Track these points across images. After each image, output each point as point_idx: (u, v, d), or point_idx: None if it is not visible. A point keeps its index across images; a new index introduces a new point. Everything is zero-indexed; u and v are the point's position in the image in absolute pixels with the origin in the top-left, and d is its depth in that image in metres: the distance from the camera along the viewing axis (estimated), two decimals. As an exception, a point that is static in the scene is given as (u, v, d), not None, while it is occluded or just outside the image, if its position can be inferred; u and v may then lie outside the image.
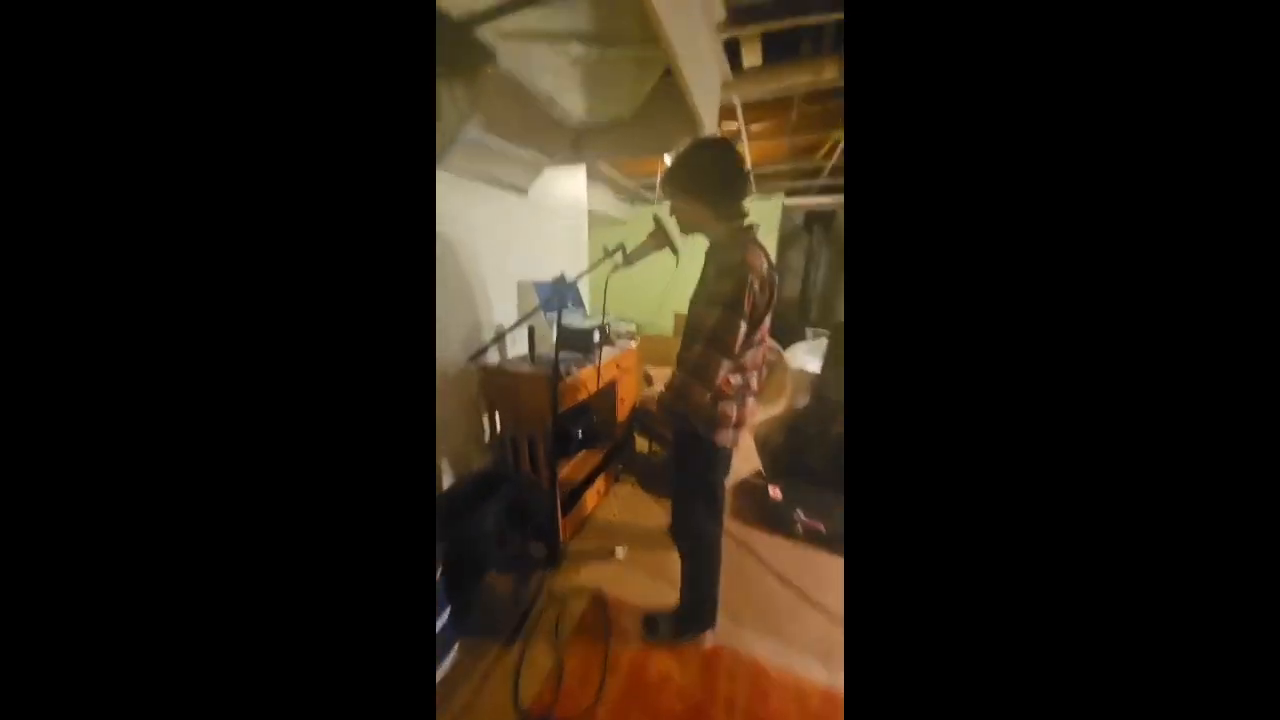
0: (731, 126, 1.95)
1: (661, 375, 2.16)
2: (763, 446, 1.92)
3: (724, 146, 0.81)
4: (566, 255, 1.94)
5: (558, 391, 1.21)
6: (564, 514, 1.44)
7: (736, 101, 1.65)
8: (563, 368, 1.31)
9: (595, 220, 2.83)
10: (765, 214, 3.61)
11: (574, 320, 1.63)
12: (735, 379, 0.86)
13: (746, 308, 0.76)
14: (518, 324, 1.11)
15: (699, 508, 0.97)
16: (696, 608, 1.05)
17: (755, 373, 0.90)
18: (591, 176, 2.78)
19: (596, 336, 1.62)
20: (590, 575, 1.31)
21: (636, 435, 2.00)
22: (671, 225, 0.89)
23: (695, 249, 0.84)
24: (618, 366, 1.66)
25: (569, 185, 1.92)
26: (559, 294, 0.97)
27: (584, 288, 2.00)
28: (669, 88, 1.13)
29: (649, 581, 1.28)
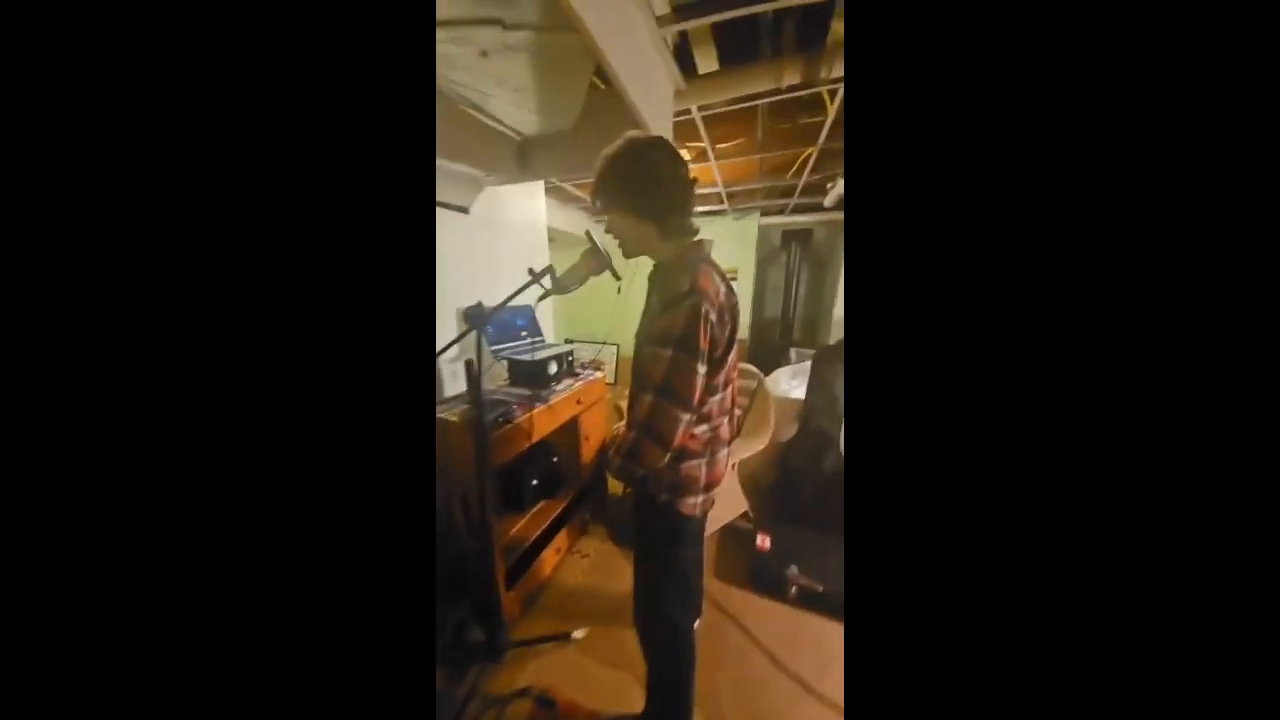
0: (698, 145, 1.86)
1: (634, 406, 1.97)
2: (749, 486, 1.71)
3: (661, 146, 0.65)
4: (522, 274, 1.77)
5: (488, 441, 1.00)
6: (511, 584, 1.20)
7: (698, 117, 1.54)
8: (501, 411, 1.11)
9: (563, 240, 2.70)
10: (742, 233, 3.56)
11: (523, 351, 1.44)
12: (700, 430, 0.68)
13: (703, 345, 0.59)
14: (523, 288, 0.82)
15: (666, 593, 0.76)
16: (663, 720, 0.82)
17: (725, 419, 0.72)
18: (556, 194, 2.67)
19: (553, 368, 1.43)
20: (539, 669, 1.06)
21: (609, 475, 1.77)
22: (613, 245, 0.73)
23: (645, 270, 0.68)
24: (578, 402, 1.46)
25: (526, 203, 1.77)
26: (478, 321, 0.77)
27: (547, 311, 1.83)
28: (614, 99, 1.00)
29: (611, 675, 1.04)
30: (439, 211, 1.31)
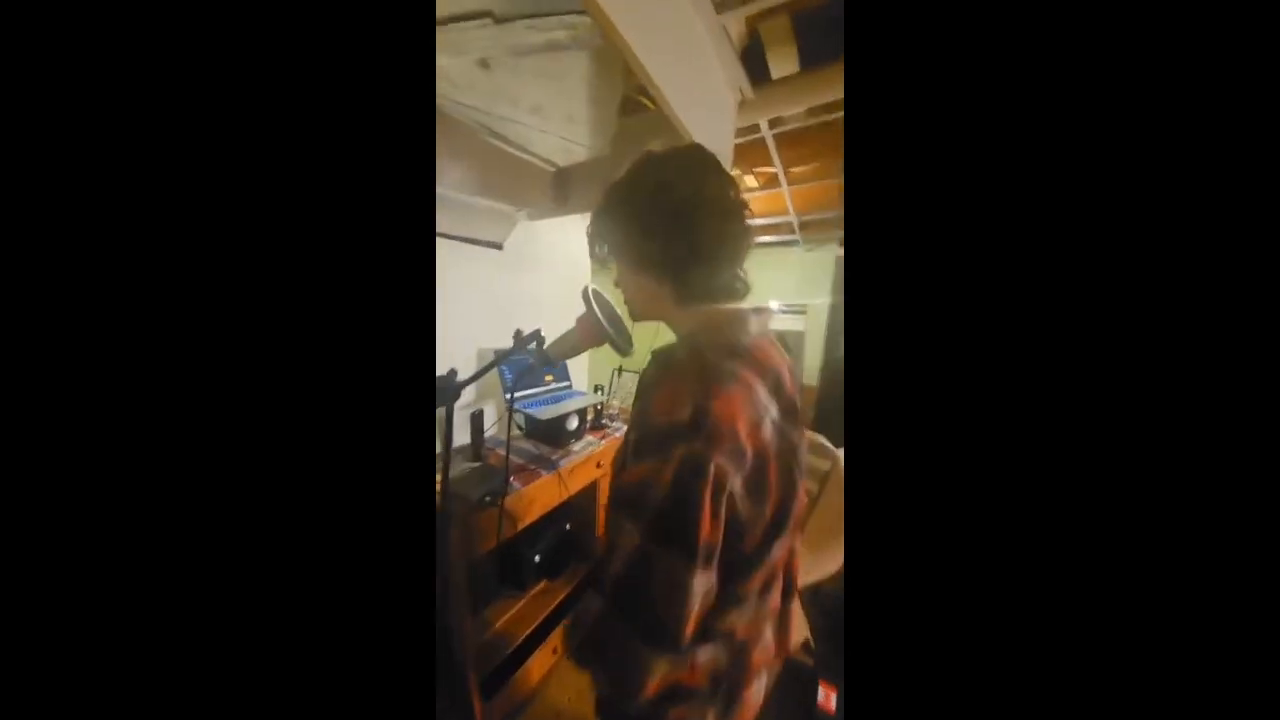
0: (767, 169, 1.59)
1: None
2: (813, 610, 1.27)
3: (683, 158, 0.42)
4: (562, 314, 1.62)
5: (448, 533, 0.80)
6: (489, 695, 0.96)
7: (768, 135, 1.28)
8: (489, 489, 0.91)
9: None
10: (816, 267, 3.11)
11: (540, 402, 1.26)
12: (704, 658, 0.37)
13: (704, 533, 0.30)
14: (510, 352, 0.69)
15: None
16: None
17: (769, 625, 0.42)
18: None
19: (573, 423, 1.23)
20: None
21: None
22: (618, 302, 0.50)
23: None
24: (599, 465, 1.23)
25: (566, 238, 1.65)
26: (447, 395, 0.58)
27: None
28: (661, 119, 0.81)
29: None
30: (469, 249, 1.22)
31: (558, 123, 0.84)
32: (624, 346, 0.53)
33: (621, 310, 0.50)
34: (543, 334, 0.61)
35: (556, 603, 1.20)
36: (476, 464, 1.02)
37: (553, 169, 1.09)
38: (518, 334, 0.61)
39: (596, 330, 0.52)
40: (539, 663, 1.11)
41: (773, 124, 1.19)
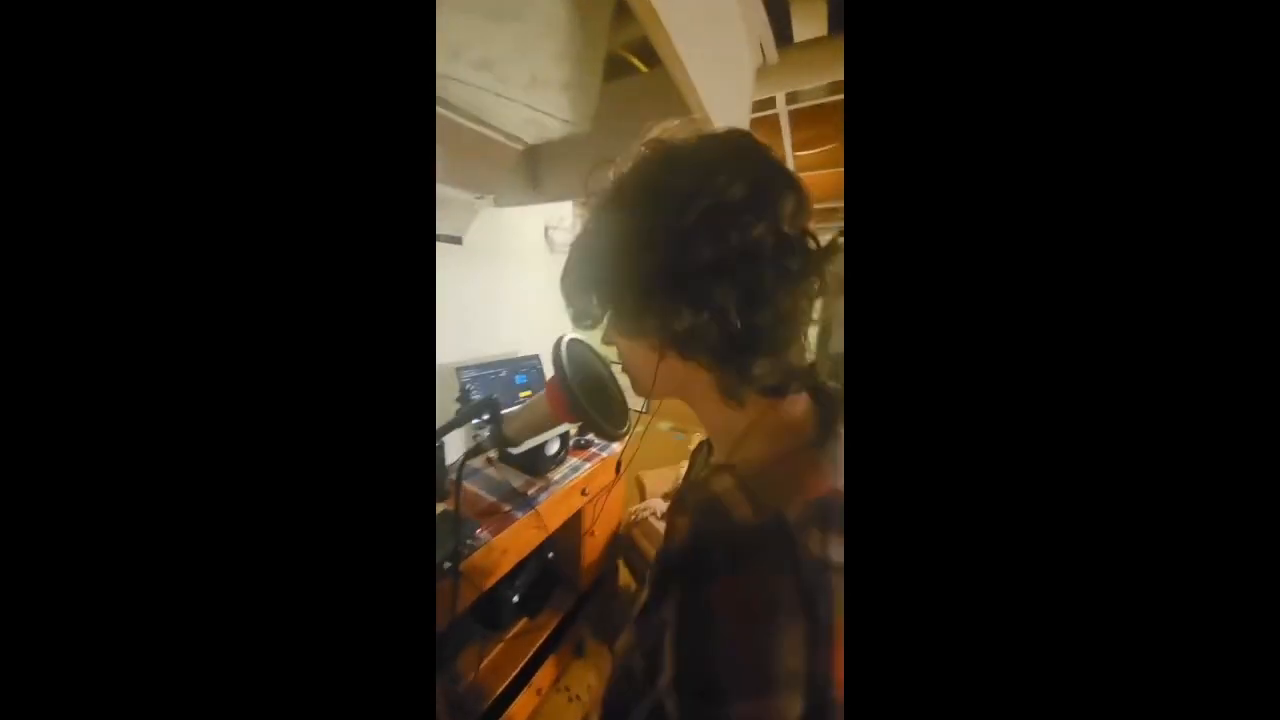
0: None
1: (659, 478, 1.56)
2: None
3: (744, 156, 0.25)
4: (543, 320, 1.42)
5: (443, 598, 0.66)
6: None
7: (784, 111, 1.07)
8: (450, 551, 0.76)
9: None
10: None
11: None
12: None
13: None
14: (457, 422, 0.48)
15: None
16: None
17: None
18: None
19: (554, 448, 1.08)
20: None
21: (621, 565, 1.39)
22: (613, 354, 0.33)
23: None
24: (584, 492, 1.10)
25: (533, 224, 1.42)
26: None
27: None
28: (656, 81, 0.61)
29: None
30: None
31: (518, 86, 0.63)
32: (610, 430, 0.37)
33: (617, 365, 0.34)
34: (499, 402, 0.44)
35: (540, 642, 1.10)
36: (439, 509, 0.87)
37: (520, 146, 0.87)
38: (463, 395, 0.44)
39: (571, 407, 0.36)
40: (522, 706, 1.02)
41: (789, 99, 0.98)
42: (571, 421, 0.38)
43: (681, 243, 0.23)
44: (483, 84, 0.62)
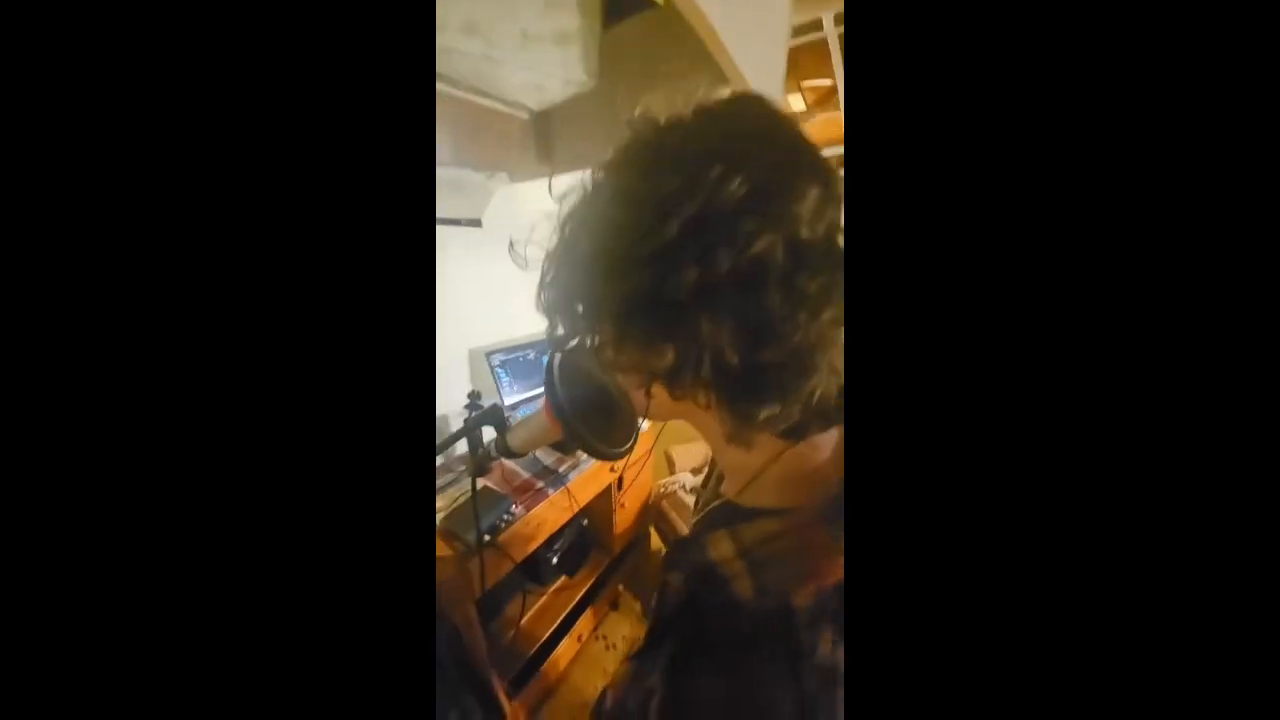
0: (824, 83, 1.16)
1: (687, 453, 1.57)
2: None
3: (744, 125, 0.20)
4: None
5: (481, 567, 0.73)
6: (516, 691, 1.01)
7: (832, 35, 0.87)
8: (489, 524, 0.83)
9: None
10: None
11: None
12: None
13: None
14: (461, 434, 0.49)
15: None
16: None
17: None
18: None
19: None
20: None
21: (653, 530, 1.47)
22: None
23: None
24: (612, 469, 1.14)
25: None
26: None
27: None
28: (671, 15, 0.50)
29: None
30: (443, 231, 1.00)
31: (510, 46, 0.56)
32: (608, 451, 0.35)
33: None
34: (503, 414, 0.44)
35: (579, 596, 1.21)
36: (480, 485, 0.95)
37: (524, 115, 0.80)
38: (471, 401, 0.45)
39: (564, 431, 0.35)
40: (564, 652, 1.16)
41: (838, 20, 0.78)
42: (569, 442, 0.37)
43: (663, 261, 0.19)
44: (473, 49, 0.56)
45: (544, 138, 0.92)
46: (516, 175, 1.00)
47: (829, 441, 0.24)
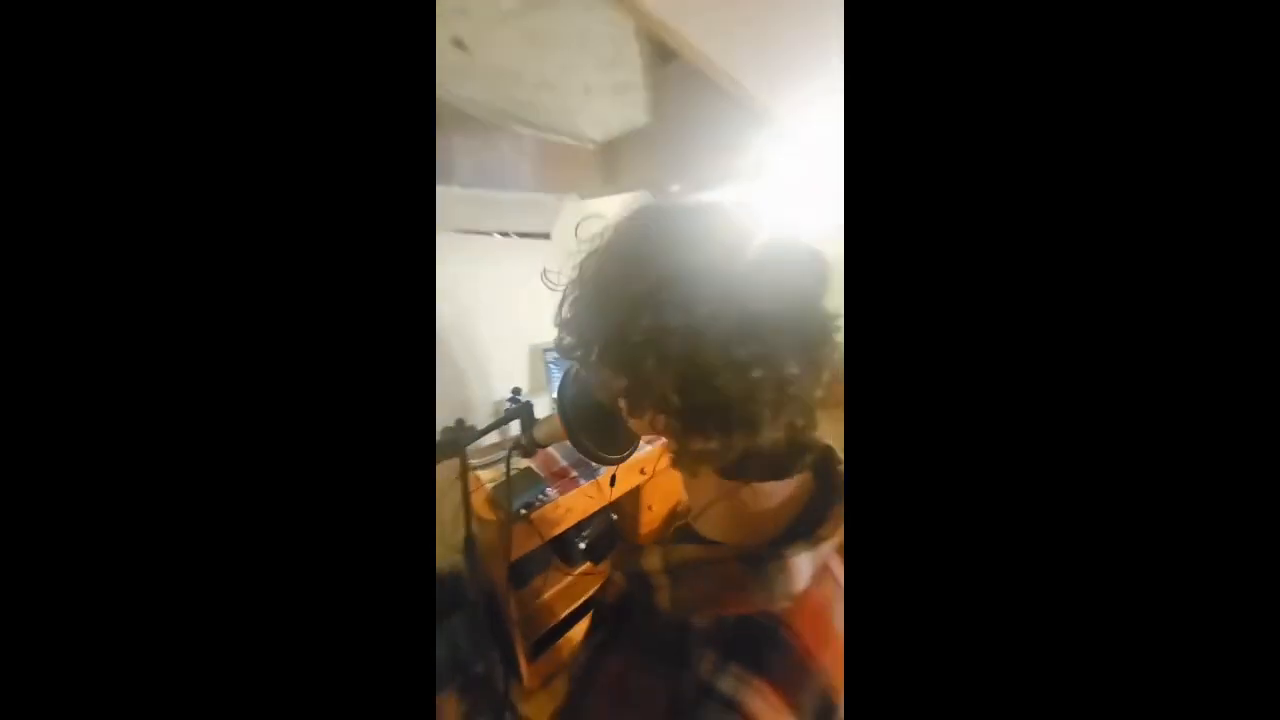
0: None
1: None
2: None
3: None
4: None
5: (509, 537, 0.86)
6: (536, 655, 1.13)
7: None
8: (525, 502, 0.95)
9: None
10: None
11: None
12: None
13: None
14: (494, 425, 0.64)
15: None
16: None
17: None
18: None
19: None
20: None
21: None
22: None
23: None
24: (642, 471, 1.20)
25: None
26: (459, 444, 0.58)
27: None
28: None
29: None
30: (519, 241, 1.16)
31: (577, 97, 0.65)
32: (604, 456, 0.41)
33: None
34: (532, 411, 0.53)
35: (602, 582, 1.30)
36: (524, 465, 1.08)
37: (592, 146, 0.90)
38: (513, 395, 0.54)
39: (568, 436, 0.41)
40: (581, 631, 1.25)
41: None
42: (571, 442, 0.43)
43: (633, 307, 0.23)
44: (549, 103, 0.67)
45: (609, 162, 1.02)
46: (585, 194, 1.12)
47: (781, 491, 0.27)
